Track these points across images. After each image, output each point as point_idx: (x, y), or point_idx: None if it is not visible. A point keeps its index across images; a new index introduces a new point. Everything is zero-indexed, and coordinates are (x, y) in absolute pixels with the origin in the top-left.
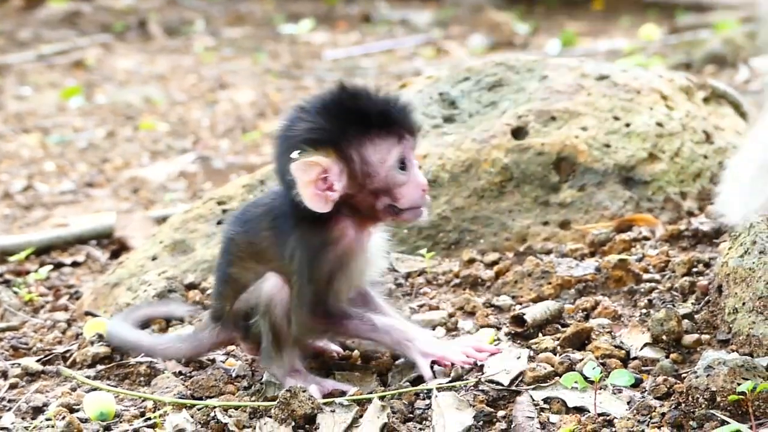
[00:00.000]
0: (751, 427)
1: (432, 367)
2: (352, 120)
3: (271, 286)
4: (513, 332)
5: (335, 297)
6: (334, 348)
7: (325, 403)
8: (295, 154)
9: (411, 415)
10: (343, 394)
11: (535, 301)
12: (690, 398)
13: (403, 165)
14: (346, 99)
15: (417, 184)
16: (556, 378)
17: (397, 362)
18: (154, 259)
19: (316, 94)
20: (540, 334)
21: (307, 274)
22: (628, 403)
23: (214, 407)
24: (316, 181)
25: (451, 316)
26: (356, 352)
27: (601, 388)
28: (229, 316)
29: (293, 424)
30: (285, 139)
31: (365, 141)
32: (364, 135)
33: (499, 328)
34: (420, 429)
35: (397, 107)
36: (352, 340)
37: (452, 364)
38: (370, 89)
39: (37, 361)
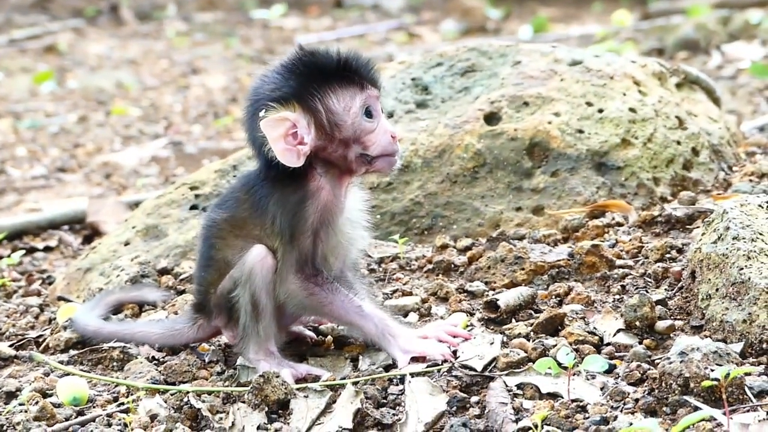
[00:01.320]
0: (724, 413)
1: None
2: (313, 74)
3: (254, 255)
4: (486, 318)
5: (322, 259)
6: (308, 333)
7: (298, 389)
8: (262, 113)
9: (384, 401)
10: (317, 379)
11: (508, 286)
12: (663, 384)
13: (369, 113)
14: (305, 57)
15: (385, 130)
16: (530, 364)
17: (369, 348)
18: (126, 244)
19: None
20: (513, 320)
21: (289, 232)
22: (602, 388)
23: (188, 392)
24: (286, 135)
25: (424, 301)
26: (329, 338)
27: (574, 374)
28: (213, 301)
29: (266, 409)
30: (252, 103)
31: (328, 91)
32: (326, 86)
33: (472, 314)
34: (393, 414)
35: (357, 59)
36: (327, 325)
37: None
38: (329, 48)
39: (10, 346)
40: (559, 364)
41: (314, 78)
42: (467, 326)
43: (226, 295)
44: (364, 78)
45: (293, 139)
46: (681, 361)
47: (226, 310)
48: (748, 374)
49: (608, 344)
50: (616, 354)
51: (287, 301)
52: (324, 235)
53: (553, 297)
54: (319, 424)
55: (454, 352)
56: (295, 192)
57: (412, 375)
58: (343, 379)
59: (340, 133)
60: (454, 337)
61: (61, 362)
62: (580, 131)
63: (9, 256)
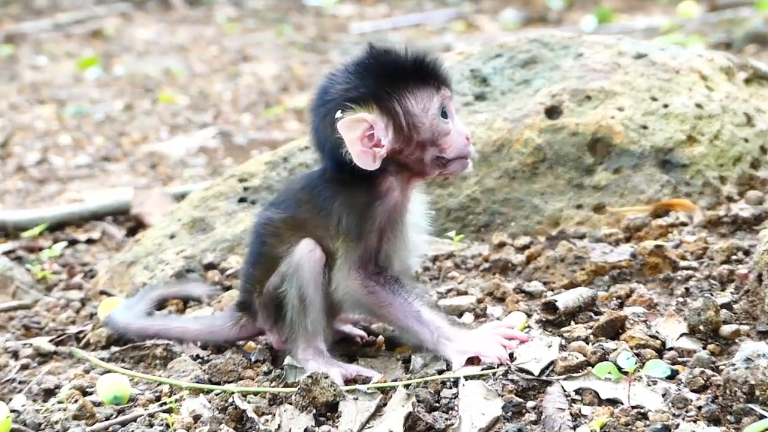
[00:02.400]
0: None
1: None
2: (389, 75)
3: (301, 248)
4: (544, 320)
5: (386, 258)
6: (358, 332)
7: (347, 391)
8: (338, 114)
9: (437, 405)
10: (366, 380)
11: (567, 287)
12: (728, 391)
13: (444, 114)
14: (378, 57)
15: (460, 132)
16: (589, 368)
17: (422, 349)
18: (172, 237)
19: (344, 61)
20: (572, 322)
21: (356, 231)
22: (663, 395)
23: (233, 393)
24: (363, 137)
25: (479, 301)
26: (381, 338)
27: (635, 380)
28: (259, 300)
29: (314, 411)
30: (323, 104)
31: (405, 93)
32: (404, 87)
33: (529, 315)
34: (446, 419)
35: (430, 60)
36: (378, 324)
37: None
38: (399, 47)
39: (50, 341)
40: (620, 369)
41: (391, 78)
42: (524, 328)
43: (273, 292)
44: (438, 78)
45: (369, 141)
46: (746, 368)
47: (273, 309)
48: None
49: (671, 349)
50: (678, 359)
51: (345, 298)
52: (390, 235)
53: (614, 299)
54: (369, 427)
55: (511, 355)
56: (365, 193)
57: (466, 378)
58: (395, 381)
59: (417, 136)
60: (511, 339)
61: (102, 359)
62: (644, 127)
63: (50, 247)
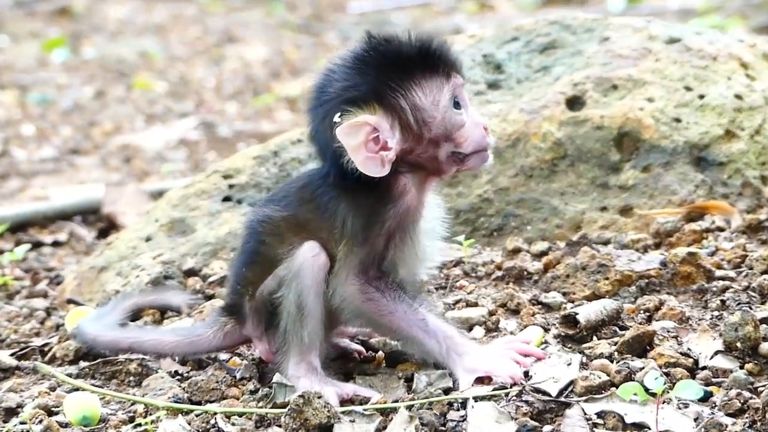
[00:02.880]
0: None
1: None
2: (393, 66)
3: (305, 251)
4: (563, 334)
5: (391, 265)
6: (356, 347)
7: (343, 412)
8: (336, 118)
9: (443, 428)
10: (365, 401)
11: (589, 299)
12: (767, 416)
13: (457, 105)
14: (378, 47)
15: (476, 122)
16: (612, 389)
17: (426, 367)
18: (148, 240)
19: (342, 52)
20: (594, 338)
21: (362, 235)
22: (696, 419)
23: (215, 413)
24: (367, 142)
25: (491, 314)
26: (381, 354)
27: (664, 402)
28: (250, 304)
29: None
30: (321, 105)
31: (411, 85)
32: (409, 79)
33: (547, 330)
34: None
35: (436, 44)
36: (377, 339)
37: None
38: (401, 33)
39: (11, 355)
40: (647, 390)
41: (394, 70)
42: (541, 344)
43: (268, 297)
44: (447, 65)
45: (375, 144)
46: None
47: (265, 315)
48: None
49: (704, 368)
50: (712, 380)
51: (342, 306)
52: (399, 241)
53: (642, 312)
54: None
55: (526, 374)
56: (375, 195)
57: (476, 399)
58: (396, 401)
59: (429, 132)
60: (526, 356)
61: (70, 375)
62: (677, 120)
63: (12, 251)
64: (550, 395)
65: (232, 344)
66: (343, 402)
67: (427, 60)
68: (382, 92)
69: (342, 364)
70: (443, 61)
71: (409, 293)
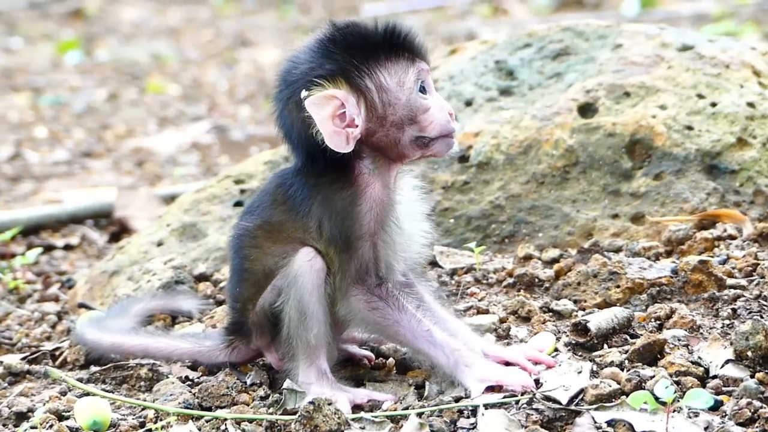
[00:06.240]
0: None
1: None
2: (358, 48)
3: (301, 257)
4: (574, 342)
5: (385, 266)
6: (365, 353)
7: (353, 419)
8: (304, 93)
9: None
10: (377, 406)
11: (600, 306)
12: None
13: (423, 89)
14: (344, 30)
15: (441, 107)
16: (623, 397)
17: (438, 373)
18: (159, 244)
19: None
20: (605, 346)
21: (343, 240)
22: (706, 428)
23: (225, 419)
24: (334, 116)
25: (502, 321)
26: (391, 360)
27: (674, 411)
28: (253, 318)
29: None
30: (286, 86)
31: (377, 67)
32: (375, 60)
33: (558, 337)
34: None
35: (402, 30)
36: (388, 345)
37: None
38: (364, 21)
39: (22, 359)
40: (657, 399)
41: (360, 52)
42: (552, 351)
43: (269, 309)
44: (413, 50)
45: (341, 121)
46: None
47: (268, 326)
48: None
49: (714, 377)
50: (723, 388)
51: (348, 318)
52: (384, 238)
53: (653, 320)
54: None
55: (536, 381)
56: (342, 190)
57: (486, 406)
58: (406, 408)
59: (393, 113)
60: (536, 363)
61: (81, 380)
62: (689, 128)
63: (23, 254)
64: (560, 403)
65: (243, 361)
66: (355, 408)
67: (393, 44)
68: (349, 71)
69: (352, 371)
70: (408, 47)
71: (413, 294)
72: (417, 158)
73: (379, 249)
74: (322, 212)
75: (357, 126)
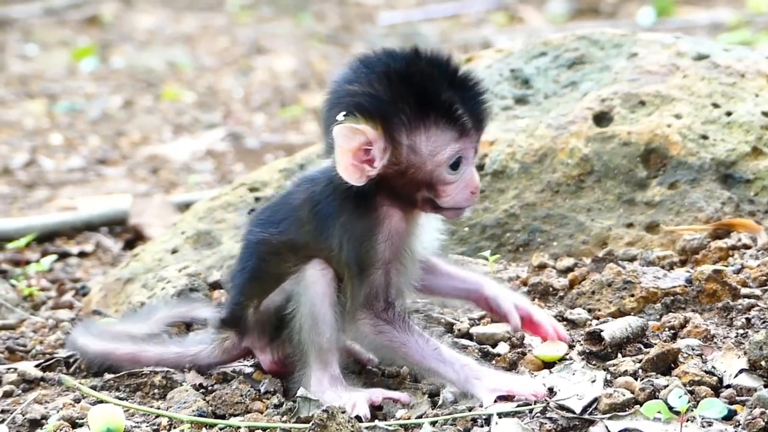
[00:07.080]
0: None
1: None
2: (414, 97)
3: (313, 266)
4: (588, 351)
5: (396, 292)
6: (371, 356)
7: (366, 428)
8: (340, 116)
9: None
10: (396, 405)
11: (614, 315)
12: None
13: (456, 165)
14: (416, 69)
15: (467, 185)
16: (636, 407)
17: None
18: (174, 252)
19: (387, 50)
20: (619, 355)
21: (357, 265)
22: None
23: (239, 428)
24: (356, 151)
25: (516, 330)
26: (405, 369)
27: (688, 420)
28: (254, 316)
29: None
30: (336, 95)
31: (420, 128)
32: (421, 121)
33: (572, 346)
34: None
35: (471, 95)
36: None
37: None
38: (449, 63)
39: (36, 366)
40: (671, 408)
41: (413, 105)
42: (564, 358)
43: (274, 312)
44: (464, 126)
45: (363, 155)
46: None
47: (270, 327)
48: None
49: (728, 386)
50: (737, 398)
51: (357, 341)
52: (398, 266)
53: (667, 329)
54: None
55: (550, 390)
56: (363, 217)
57: (500, 415)
58: (420, 417)
59: (414, 175)
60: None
61: (94, 387)
62: (704, 137)
63: (38, 261)
64: (574, 412)
65: (230, 359)
66: (375, 408)
67: (451, 110)
68: (391, 118)
69: (366, 379)
70: (466, 117)
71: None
72: (427, 212)
73: (392, 276)
74: (343, 234)
75: (374, 168)
